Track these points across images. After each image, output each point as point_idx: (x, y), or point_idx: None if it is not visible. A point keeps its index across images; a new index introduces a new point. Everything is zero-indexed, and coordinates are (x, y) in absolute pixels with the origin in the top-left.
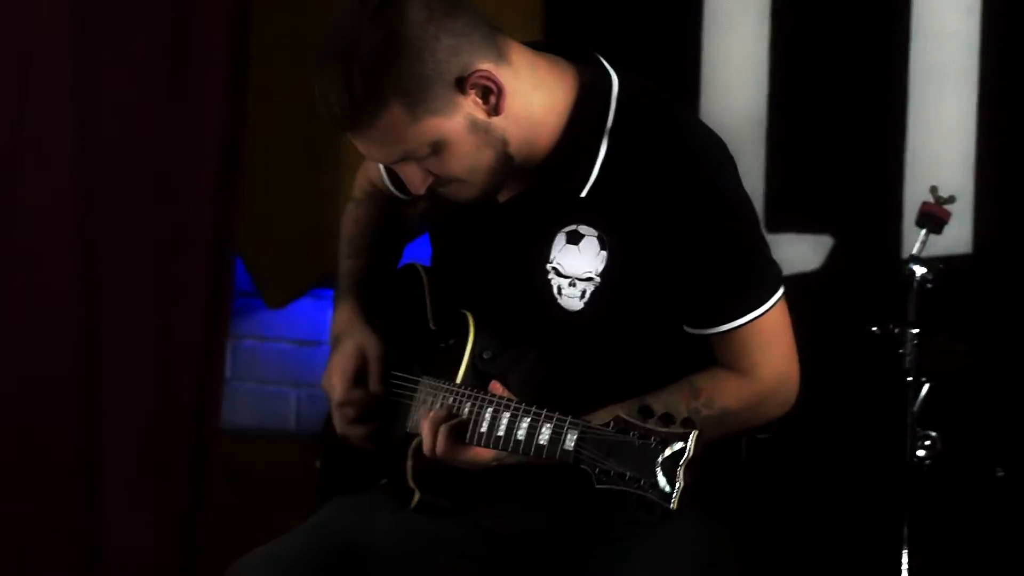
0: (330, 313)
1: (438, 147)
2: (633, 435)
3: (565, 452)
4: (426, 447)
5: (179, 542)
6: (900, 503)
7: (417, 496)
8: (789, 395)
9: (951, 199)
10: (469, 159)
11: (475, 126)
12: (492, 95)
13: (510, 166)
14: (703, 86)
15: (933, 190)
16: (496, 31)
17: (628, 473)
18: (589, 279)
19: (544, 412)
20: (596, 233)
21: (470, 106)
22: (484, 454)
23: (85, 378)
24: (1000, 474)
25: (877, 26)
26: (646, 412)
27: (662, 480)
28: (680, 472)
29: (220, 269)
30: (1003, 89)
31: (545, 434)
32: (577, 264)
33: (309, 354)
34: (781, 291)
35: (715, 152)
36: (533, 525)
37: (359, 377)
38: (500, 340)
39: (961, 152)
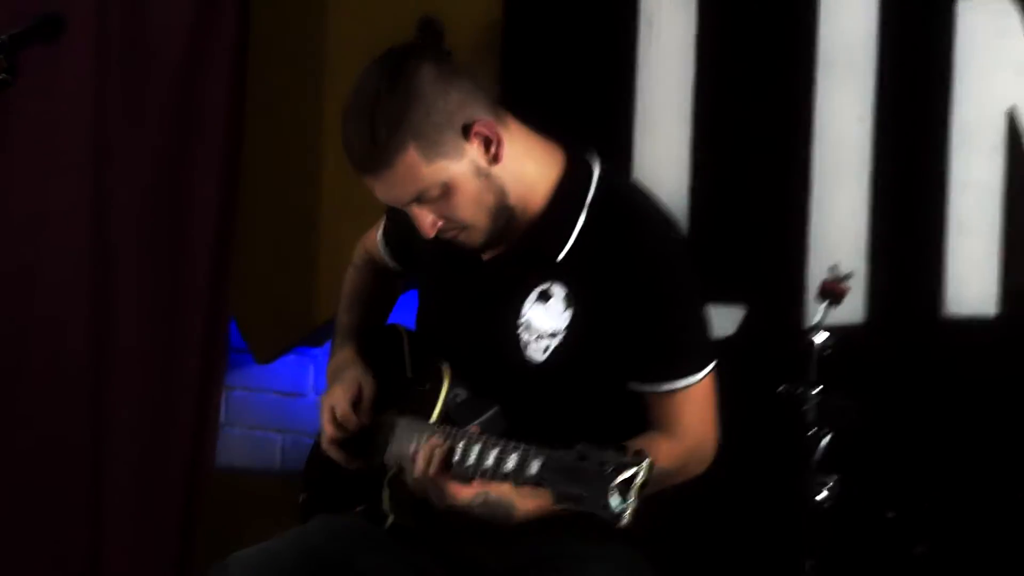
0: (311, 368)
1: (447, 189)
2: (591, 461)
3: (529, 477)
4: (418, 469)
5: (175, 569)
6: (803, 539)
7: (391, 519)
8: (710, 454)
9: (848, 276)
10: (474, 202)
11: (479, 171)
12: (492, 144)
13: (510, 217)
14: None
15: (832, 268)
16: (497, 102)
17: (584, 494)
18: (553, 335)
19: (512, 443)
20: (565, 292)
21: (474, 153)
22: (460, 491)
23: (93, 421)
24: (890, 516)
25: (784, 130)
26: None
27: (615, 500)
28: (632, 494)
29: (216, 328)
30: (892, 183)
31: (511, 461)
32: (544, 321)
33: (293, 404)
34: (713, 365)
35: (675, 237)
36: (483, 552)
37: (354, 405)
38: (471, 387)
39: (855, 236)
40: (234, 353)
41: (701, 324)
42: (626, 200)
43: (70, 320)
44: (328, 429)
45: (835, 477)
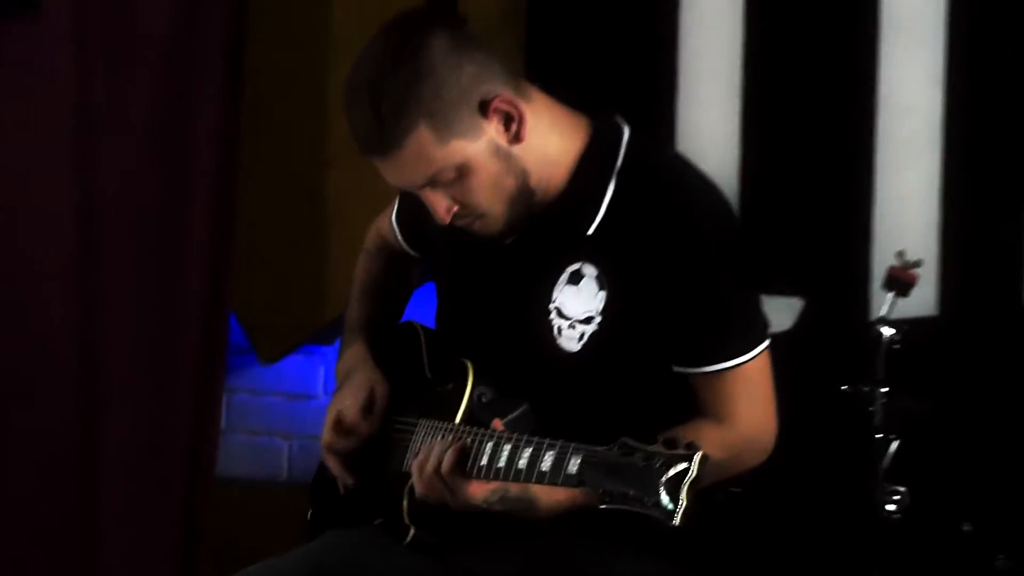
0: (320, 368)
1: (464, 171)
2: (637, 456)
3: (568, 476)
4: (427, 473)
5: None
6: (871, 556)
7: (412, 533)
8: (767, 444)
9: (917, 263)
10: (492, 185)
11: (498, 151)
12: (513, 122)
13: (531, 201)
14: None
15: (900, 255)
16: (518, 73)
17: (631, 492)
18: (588, 320)
19: (547, 441)
20: (596, 272)
21: (493, 131)
22: (475, 490)
23: (84, 429)
24: (967, 528)
25: (845, 100)
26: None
27: (665, 498)
28: (684, 491)
29: (215, 326)
30: (966, 158)
31: (547, 461)
32: (576, 305)
33: (300, 407)
34: (766, 343)
35: (717, 201)
36: (511, 567)
37: (365, 410)
38: (497, 386)
39: (926, 218)
40: (236, 353)
41: (750, 297)
42: (660, 166)
43: (55, 318)
44: (326, 436)
45: (905, 486)
